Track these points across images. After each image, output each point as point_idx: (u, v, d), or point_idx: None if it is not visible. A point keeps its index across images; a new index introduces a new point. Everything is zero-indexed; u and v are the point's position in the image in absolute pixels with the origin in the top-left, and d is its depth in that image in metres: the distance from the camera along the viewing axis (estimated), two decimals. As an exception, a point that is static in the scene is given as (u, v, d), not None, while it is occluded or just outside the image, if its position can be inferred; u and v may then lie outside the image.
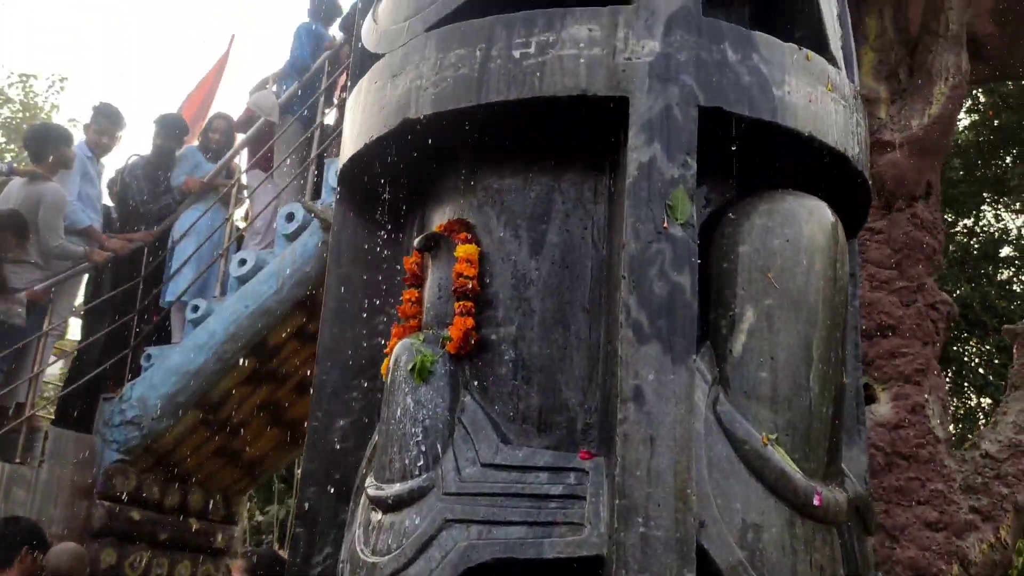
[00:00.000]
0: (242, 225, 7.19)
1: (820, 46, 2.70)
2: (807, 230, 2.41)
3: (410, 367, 2.37)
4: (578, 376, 2.37)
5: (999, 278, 11.94)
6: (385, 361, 2.54)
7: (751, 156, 2.55)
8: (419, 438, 2.29)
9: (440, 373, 2.37)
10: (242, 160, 7.30)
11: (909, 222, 5.56)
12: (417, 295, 2.64)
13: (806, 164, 2.59)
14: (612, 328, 2.30)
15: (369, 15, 2.95)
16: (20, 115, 16.19)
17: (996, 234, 12.06)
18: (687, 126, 2.34)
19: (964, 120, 11.65)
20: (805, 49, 2.57)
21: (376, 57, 2.81)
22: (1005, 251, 11.92)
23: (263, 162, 7.05)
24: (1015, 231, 12.42)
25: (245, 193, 6.96)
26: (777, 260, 2.36)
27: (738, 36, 2.47)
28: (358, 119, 2.74)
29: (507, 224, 2.54)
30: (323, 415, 2.71)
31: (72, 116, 18.14)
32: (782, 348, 2.29)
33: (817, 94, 2.55)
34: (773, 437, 2.21)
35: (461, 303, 2.44)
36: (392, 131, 2.58)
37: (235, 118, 7.40)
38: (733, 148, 2.49)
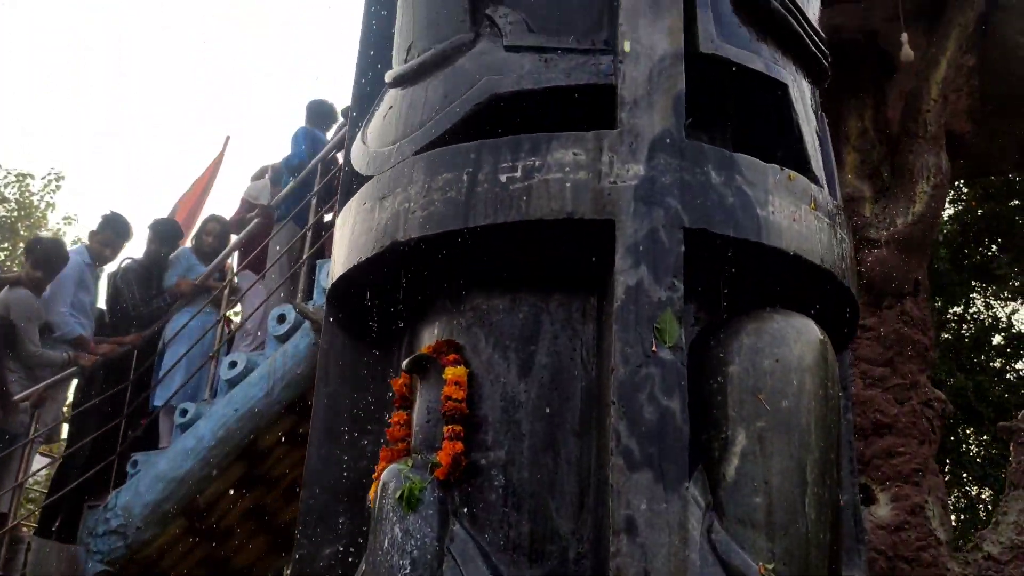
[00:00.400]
0: (236, 321, 7.19)
1: (801, 164, 2.76)
2: (796, 350, 2.41)
3: (398, 495, 2.33)
4: (569, 502, 2.33)
5: (992, 366, 11.93)
6: (373, 486, 2.49)
7: (738, 274, 2.57)
8: (407, 571, 2.22)
9: (428, 501, 2.33)
10: (235, 261, 7.35)
11: (899, 319, 5.58)
12: (406, 417, 2.61)
13: (793, 281, 2.60)
14: (603, 452, 2.27)
15: (358, 136, 3.01)
16: (15, 214, 16.32)
17: (987, 322, 12.11)
18: (673, 248, 2.36)
19: (948, 209, 11.84)
20: (787, 169, 2.61)
21: (365, 177, 2.85)
22: (997, 339, 11.96)
23: (255, 263, 7.08)
24: (1005, 319, 12.48)
25: (237, 295, 6.97)
26: (768, 381, 2.35)
27: (721, 158, 2.52)
28: (347, 240, 2.76)
29: (496, 345, 2.53)
30: (309, 543, 2.65)
31: (67, 214, 18.31)
32: (776, 473, 2.26)
33: (801, 213, 2.58)
34: (771, 567, 2.16)
35: (450, 427, 2.41)
36: (381, 253, 2.59)
37: (229, 218, 7.48)
38: (720, 268, 2.51)
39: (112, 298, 6.88)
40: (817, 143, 2.89)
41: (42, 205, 16.73)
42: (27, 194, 16.49)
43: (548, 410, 2.42)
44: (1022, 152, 6.98)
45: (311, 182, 7.09)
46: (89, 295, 6.58)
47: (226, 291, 6.78)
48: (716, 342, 2.46)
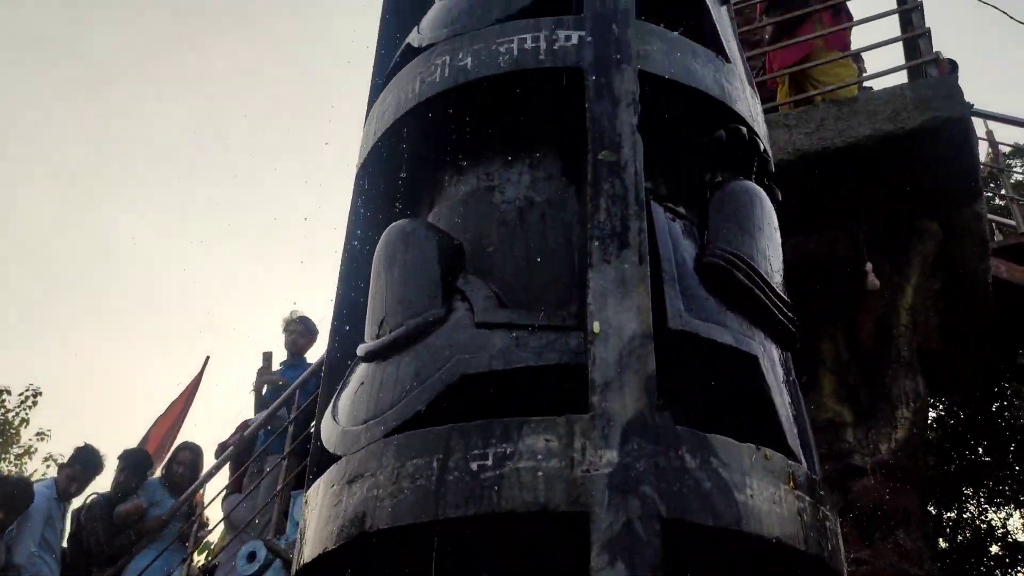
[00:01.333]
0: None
1: (776, 438, 2.72)
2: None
3: None
4: None
5: (995, 576, 11.50)
6: None
7: (720, 560, 2.47)
8: None
9: None
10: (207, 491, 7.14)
11: (893, 552, 5.39)
12: None
13: (778, 565, 2.50)
14: None
15: (328, 411, 2.97)
16: (-10, 431, 15.95)
17: (982, 530, 11.77)
18: (651, 542, 2.26)
19: (931, 413, 11.81)
20: (763, 448, 2.57)
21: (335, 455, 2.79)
22: (994, 549, 11.58)
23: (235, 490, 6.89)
24: (1000, 524, 12.14)
25: (206, 530, 6.73)
26: None
27: (694, 440, 2.48)
28: (314, 524, 2.66)
29: (469, 646, 2.38)
30: None
31: (41, 428, 17.81)
32: None
33: (780, 494, 2.52)
34: None
35: None
36: (349, 543, 2.49)
37: (204, 445, 7.33)
38: (701, 556, 2.42)
39: (74, 536, 6.62)
40: (791, 413, 2.87)
41: (16, 421, 16.39)
42: (2, 410, 16.18)
43: None
44: (989, 372, 7.06)
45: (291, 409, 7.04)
46: (56, 533, 6.37)
47: (195, 526, 6.53)
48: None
